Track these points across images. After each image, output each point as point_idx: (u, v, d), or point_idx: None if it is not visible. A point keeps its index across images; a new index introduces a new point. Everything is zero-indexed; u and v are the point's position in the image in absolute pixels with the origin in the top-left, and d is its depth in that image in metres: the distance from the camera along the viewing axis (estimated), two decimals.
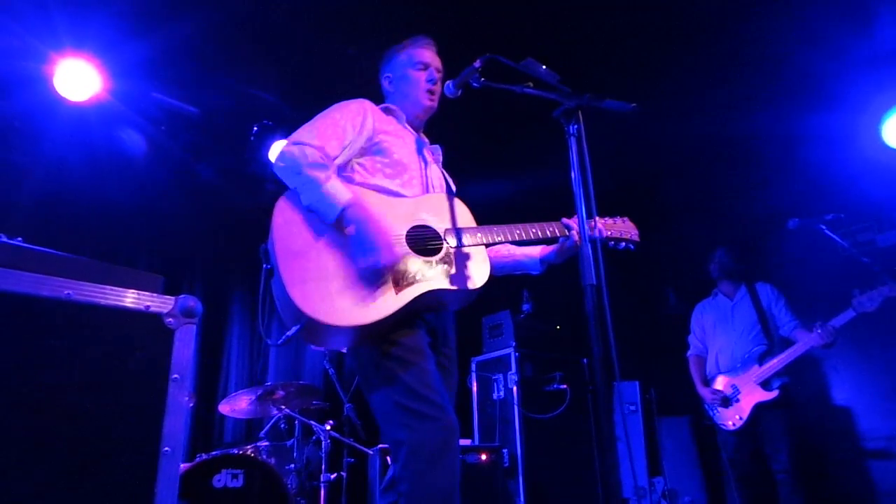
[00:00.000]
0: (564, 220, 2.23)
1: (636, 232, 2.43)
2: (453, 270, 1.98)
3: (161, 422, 1.22)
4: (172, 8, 3.75)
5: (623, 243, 2.39)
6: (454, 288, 1.95)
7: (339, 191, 1.92)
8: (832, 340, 3.66)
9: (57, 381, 1.17)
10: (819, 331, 3.68)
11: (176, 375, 1.25)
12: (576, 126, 1.82)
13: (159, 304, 1.28)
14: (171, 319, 1.28)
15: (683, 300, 5.38)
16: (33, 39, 3.78)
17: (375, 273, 1.86)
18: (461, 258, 2.01)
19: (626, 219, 2.44)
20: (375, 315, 1.81)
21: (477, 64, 2.13)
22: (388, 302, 1.84)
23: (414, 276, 1.91)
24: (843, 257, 3.68)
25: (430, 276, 1.94)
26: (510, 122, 4.42)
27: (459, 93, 2.30)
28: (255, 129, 4.84)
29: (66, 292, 1.20)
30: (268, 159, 4.85)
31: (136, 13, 3.77)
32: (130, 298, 1.26)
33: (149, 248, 5.12)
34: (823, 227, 3.56)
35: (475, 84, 2.15)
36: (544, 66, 1.99)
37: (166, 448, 1.22)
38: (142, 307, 1.26)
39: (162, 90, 4.45)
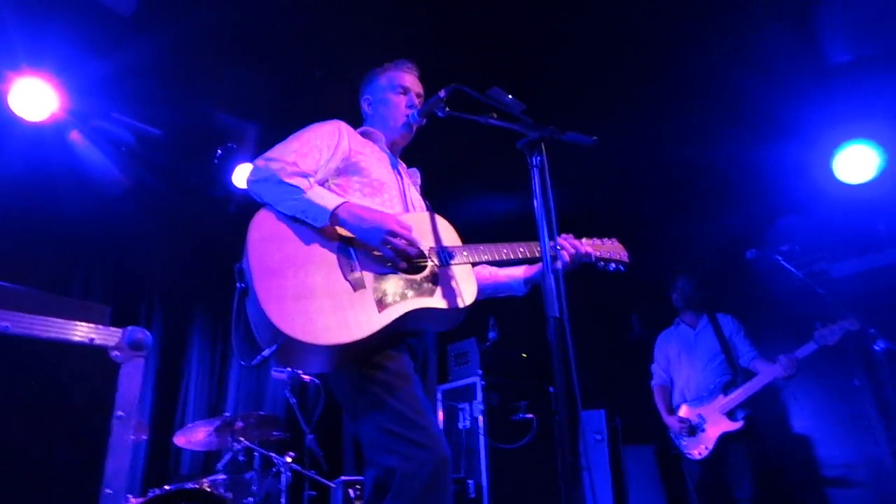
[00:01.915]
0: (552, 241, 2.21)
1: (626, 253, 2.39)
2: (439, 289, 1.93)
3: (103, 461, 1.16)
4: (134, 26, 3.69)
5: (613, 264, 2.35)
6: (440, 307, 1.90)
7: (326, 195, 1.90)
8: (794, 372, 3.73)
9: None
10: (782, 362, 3.74)
11: (121, 413, 1.19)
12: (538, 157, 1.83)
13: (105, 336, 1.22)
14: (117, 353, 1.22)
15: (648, 327, 5.44)
16: None
17: (404, 251, 1.85)
18: (447, 277, 1.97)
19: (614, 240, 2.41)
20: (357, 334, 1.73)
21: (442, 94, 2.14)
22: (371, 321, 1.77)
23: (398, 295, 1.85)
24: (800, 287, 3.77)
25: (414, 294, 1.88)
26: (481, 146, 4.45)
27: (424, 121, 2.31)
28: (220, 151, 4.78)
29: (3, 324, 1.13)
30: (231, 182, 4.78)
31: (96, 32, 3.69)
32: (74, 331, 1.20)
33: (105, 274, 4.95)
34: (779, 257, 3.65)
35: (440, 114, 2.15)
36: (511, 96, 2.01)
37: (108, 490, 1.15)
38: (86, 340, 1.20)
39: (123, 110, 4.37)
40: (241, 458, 3.85)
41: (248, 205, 1.95)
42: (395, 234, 1.85)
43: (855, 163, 4.27)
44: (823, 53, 3.87)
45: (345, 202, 1.89)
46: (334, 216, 1.85)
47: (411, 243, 1.89)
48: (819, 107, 4.19)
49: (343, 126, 2.19)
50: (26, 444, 1.13)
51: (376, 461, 1.75)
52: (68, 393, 1.18)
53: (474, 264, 2.07)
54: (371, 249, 1.89)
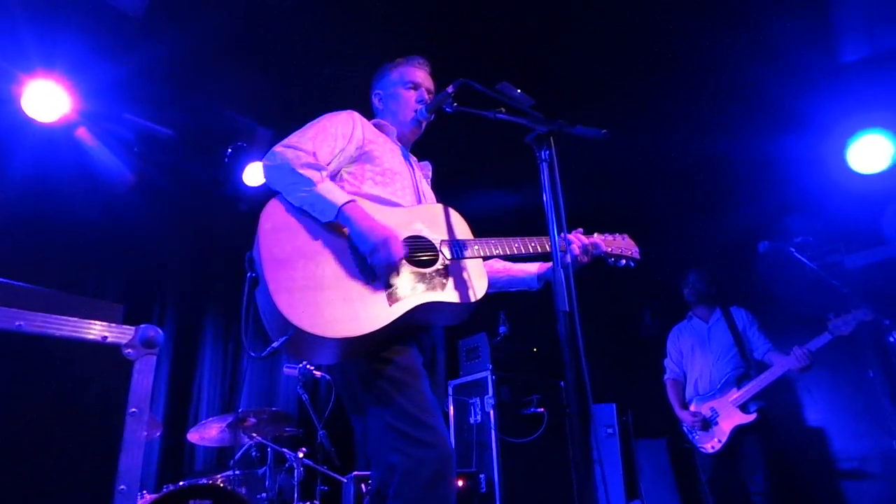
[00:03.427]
0: (563, 235, 2.19)
1: (637, 249, 2.38)
2: (449, 283, 1.91)
3: (117, 458, 1.17)
4: (145, 28, 3.72)
5: (623, 261, 2.33)
6: (450, 301, 1.88)
7: (336, 191, 1.88)
8: (809, 364, 3.70)
9: (5, 415, 1.12)
10: (796, 354, 3.71)
11: (134, 409, 1.20)
12: (547, 151, 1.82)
13: (117, 334, 1.23)
14: (130, 350, 1.23)
15: (659, 321, 5.41)
16: (1, 60, 3.72)
17: (386, 269, 1.80)
18: (458, 270, 1.95)
19: (625, 235, 2.39)
20: (367, 327, 1.72)
21: (450, 89, 2.14)
22: (381, 314, 1.76)
23: (408, 289, 1.84)
24: (813, 279, 3.74)
25: (424, 288, 1.86)
26: (491, 140, 4.44)
27: (433, 117, 2.31)
28: (230, 150, 4.80)
29: (17, 323, 1.15)
30: (241, 181, 4.81)
31: (109, 35, 3.73)
32: (87, 329, 1.21)
33: (118, 273, 5.00)
34: (793, 249, 3.62)
35: (448, 109, 2.15)
36: (519, 90, 2.00)
37: (122, 486, 1.16)
38: (98, 338, 1.21)
39: (134, 111, 4.40)
40: (254, 453, 3.88)
41: (258, 203, 1.95)
42: (377, 251, 1.78)
43: (868, 153, 4.22)
44: (838, 49, 3.82)
45: (352, 201, 1.87)
46: (340, 213, 1.84)
47: (389, 267, 1.82)
48: (832, 97, 4.14)
49: (357, 116, 2.19)
50: (41, 442, 1.14)
51: (379, 458, 1.75)
52: (82, 390, 1.19)
53: (485, 258, 2.06)
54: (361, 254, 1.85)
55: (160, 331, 1.27)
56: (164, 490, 3.10)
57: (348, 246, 1.86)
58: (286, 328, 1.69)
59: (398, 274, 1.85)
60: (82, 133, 4.26)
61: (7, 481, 1.10)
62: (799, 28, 3.73)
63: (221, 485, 3.27)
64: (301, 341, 1.72)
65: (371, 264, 1.82)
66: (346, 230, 1.88)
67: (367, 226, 1.82)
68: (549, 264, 2.25)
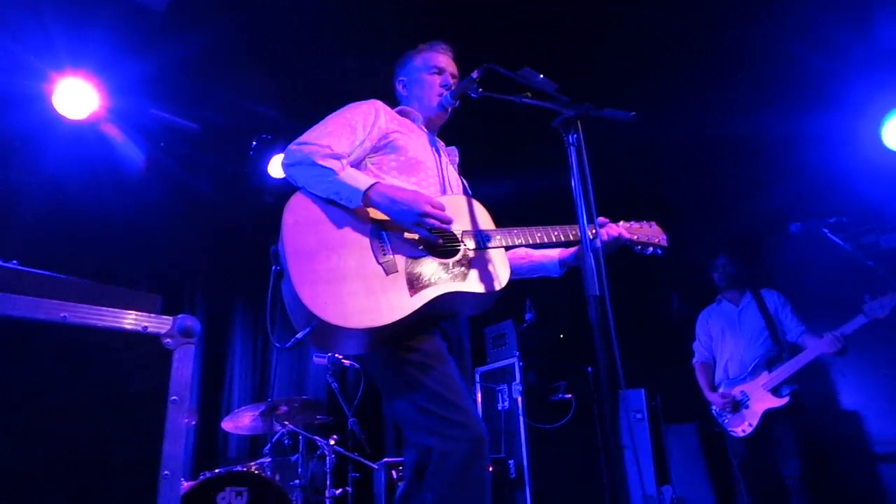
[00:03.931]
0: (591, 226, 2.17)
1: (664, 237, 2.34)
2: (471, 273, 1.92)
3: (160, 445, 1.20)
4: (170, 24, 3.76)
5: (650, 248, 2.31)
6: (472, 291, 1.89)
7: (359, 176, 1.91)
8: (842, 347, 3.62)
9: (53, 405, 1.15)
10: (828, 338, 3.64)
11: (175, 397, 1.23)
12: (575, 135, 1.80)
13: (157, 324, 1.26)
14: (169, 340, 1.26)
15: (687, 305, 5.35)
16: (32, 58, 3.80)
17: (440, 231, 1.86)
18: (479, 260, 1.96)
19: (653, 223, 2.36)
20: (388, 318, 1.74)
21: (475, 75, 2.13)
22: (403, 304, 1.78)
23: (429, 279, 1.85)
24: (847, 260, 3.65)
25: (446, 278, 1.87)
26: (517, 126, 4.41)
27: (458, 103, 2.30)
28: (254, 143, 4.85)
29: (61, 315, 1.18)
30: (267, 173, 4.85)
31: (134, 32, 3.78)
32: (127, 320, 1.24)
33: (149, 266, 5.09)
34: (826, 230, 3.53)
35: (473, 95, 2.14)
36: (542, 75, 1.98)
37: (166, 472, 1.19)
38: (139, 328, 1.24)
39: (160, 107, 4.47)
40: (286, 441, 3.95)
41: (284, 195, 1.97)
42: (427, 214, 1.85)
43: None
44: (873, 25, 3.70)
45: (377, 183, 1.90)
46: (367, 197, 1.86)
47: (444, 221, 1.89)
48: (865, 74, 4.02)
49: (380, 105, 2.19)
50: (87, 430, 1.18)
51: (414, 441, 1.78)
52: (125, 379, 1.22)
53: (507, 248, 2.06)
54: (404, 230, 1.90)
55: (197, 321, 1.30)
56: (201, 477, 3.18)
57: (371, 238, 1.88)
58: (310, 319, 1.72)
59: (419, 267, 1.86)
60: (108, 128, 4.33)
61: (55, 469, 1.13)
62: (832, 3, 3.62)
63: (256, 472, 3.33)
64: (325, 332, 1.75)
65: (423, 236, 1.87)
66: (374, 215, 1.90)
67: (399, 199, 1.86)
68: (571, 250, 2.25)
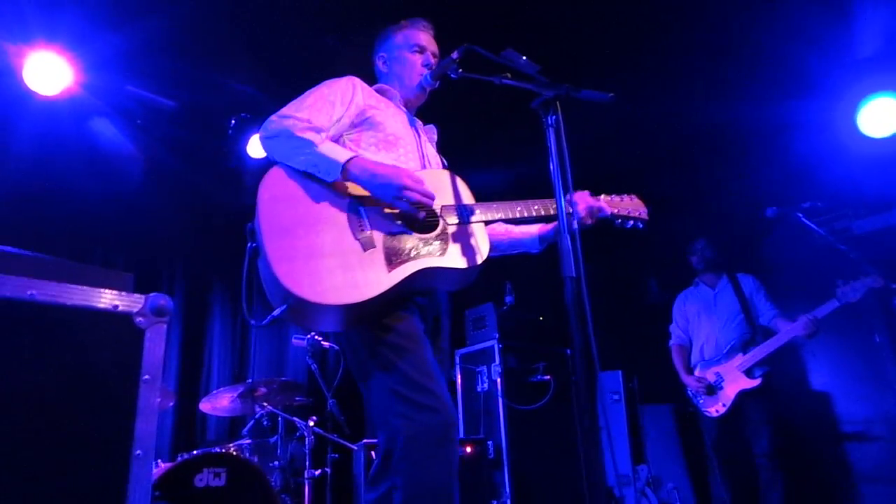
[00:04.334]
0: (569, 195, 2.17)
1: (645, 210, 2.34)
2: (450, 247, 1.91)
3: (132, 424, 1.19)
4: (147, 0, 3.67)
5: (631, 221, 2.31)
6: (451, 266, 1.88)
7: (338, 149, 1.89)
8: (815, 330, 3.71)
9: (22, 384, 1.14)
10: (802, 321, 3.72)
11: (147, 376, 1.22)
12: (554, 117, 1.80)
13: (128, 303, 1.24)
14: (141, 319, 1.24)
15: (666, 289, 5.42)
16: (2, 31, 3.68)
17: (422, 203, 1.85)
18: (459, 235, 1.95)
19: (633, 196, 2.36)
20: (366, 293, 1.73)
21: (455, 55, 2.11)
22: (381, 280, 1.76)
23: (408, 253, 1.84)
24: (820, 244, 3.72)
25: (425, 252, 1.86)
26: (497, 108, 4.39)
27: (437, 84, 2.29)
28: (233, 122, 4.78)
29: (29, 293, 1.16)
30: (246, 152, 4.79)
31: (110, 5, 3.67)
32: (98, 298, 1.22)
33: (126, 245, 5.03)
34: (800, 215, 3.59)
35: (453, 75, 2.13)
36: (524, 58, 1.97)
37: (138, 451, 1.19)
38: (110, 307, 1.22)
39: (137, 83, 4.37)
40: (265, 422, 3.95)
41: (263, 174, 1.95)
42: (408, 188, 1.84)
43: (879, 117, 4.16)
44: (849, 11, 3.73)
45: (356, 156, 1.88)
46: (345, 170, 1.84)
47: (426, 195, 1.88)
48: (842, 62, 4.06)
49: (358, 81, 2.17)
50: (57, 410, 1.16)
51: (383, 424, 1.77)
52: (95, 359, 1.20)
53: (487, 223, 2.05)
54: (384, 205, 1.88)
55: (170, 299, 1.28)
56: (179, 458, 3.17)
57: (348, 213, 1.87)
58: (286, 297, 1.70)
59: (397, 242, 1.85)
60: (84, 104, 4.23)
61: (25, 449, 1.12)
62: None
63: (234, 453, 3.33)
64: (301, 309, 1.74)
65: (404, 210, 1.85)
66: (352, 190, 1.88)
67: (380, 173, 1.85)
68: (550, 226, 2.25)
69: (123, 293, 1.25)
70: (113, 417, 1.19)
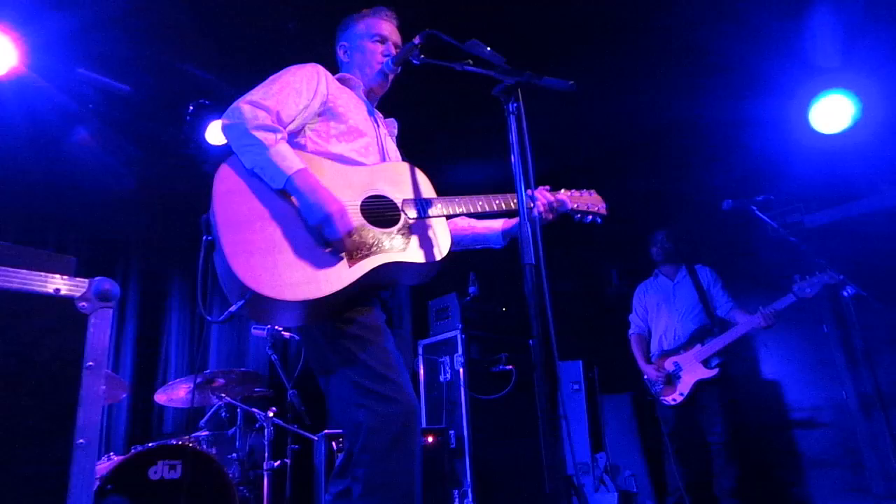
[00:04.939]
0: (529, 191, 2.15)
1: (604, 205, 2.36)
2: (412, 242, 1.89)
3: (74, 412, 1.15)
4: None
5: (590, 216, 2.32)
6: (412, 260, 1.87)
7: (289, 156, 1.81)
8: (773, 323, 3.82)
9: None
10: (763, 314, 3.82)
11: (90, 363, 1.18)
12: (515, 104, 1.80)
13: (71, 287, 1.19)
14: (84, 304, 1.20)
15: (626, 281, 5.52)
16: None
17: (332, 244, 1.76)
18: (420, 229, 1.93)
19: (592, 191, 2.37)
20: (326, 289, 1.70)
21: (417, 40, 2.09)
22: (341, 275, 1.74)
23: (369, 248, 1.81)
24: (774, 237, 3.83)
25: (386, 247, 1.84)
26: (459, 100, 4.38)
27: (399, 70, 2.26)
28: (191, 108, 4.65)
29: None
30: (204, 139, 4.67)
31: None
32: (38, 282, 1.17)
33: (79, 233, 4.87)
34: (754, 208, 3.69)
35: (415, 61, 2.11)
36: (489, 48, 1.96)
37: (81, 440, 1.15)
38: (51, 291, 1.18)
39: (89, 66, 4.21)
40: (223, 414, 3.88)
41: (222, 162, 1.90)
42: (331, 220, 1.74)
43: (830, 113, 4.30)
44: (799, 11, 3.84)
45: (302, 169, 1.80)
46: (289, 182, 1.77)
47: (340, 235, 1.76)
48: (794, 60, 4.19)
49: (322, 70, 2.12)
50: None
51: (345, 417, 1.75)
52: (36, 345, 1.16)
53: (449, 217, 2.04)
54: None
55: (116, 284, 1.24)
56: (133, 451, 3.09)
57: None
58: (244, 292, 1.66)
59: (358, 237, 1.82)
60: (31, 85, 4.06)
61: None
62: None
63: (191, 445, 3.26)
64: (260, 305, 1.70)
65: (323, 237, 1.78)
66: (294, 200, 1.83)
67: (315, 199, 1.76)
68: (514, 221, 2.24)
69: (66, 277, 1.20)
70: (54, 405, 1.15)
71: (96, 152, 4.65)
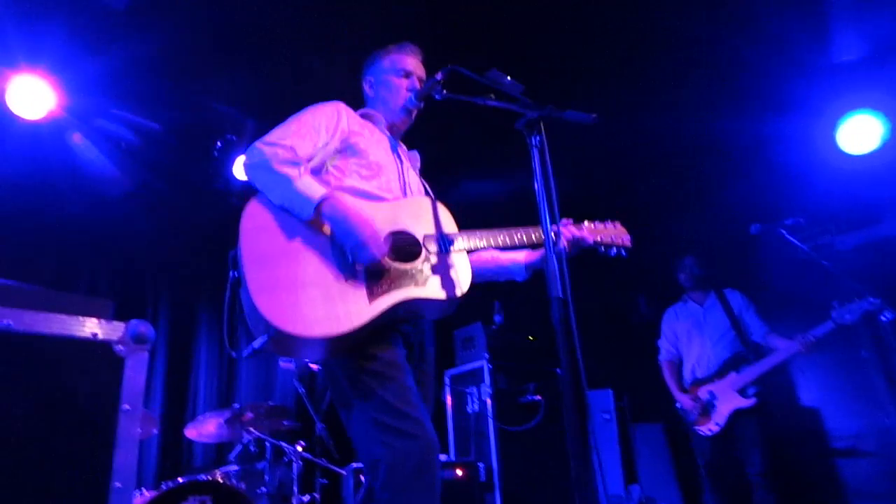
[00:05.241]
0: (553, 226, 2.16)
1: (628, 237, 2.33)
2: (433, 277, 1.90)
3: (111, 456, 1.16)
4: (131, 23, 3.67)
5: (614, 249, 2.30)
6: (432, 297, 1.88)
7: (314, 186, 1.85)
8: (811, 350, 3.72)
9: None
10: (801, 341, 3.72)
11: (127, 406, 1.19)
12: (538, 137, 1.80)
13: (108, 331, 1.22)
14: (121, 347, 1.22)
15: (654, 307, 5.44)
16: None
17: (368, 267, 1.79)
18: (441, 265, 1.94)
19: (616, 223, 2.35)
20: (347, 326, 1.72)
21: (438, 76, 2.12)
22: (362, 311, 1.76)
23: (390, 284, 1.83)
24: (805, 260, 3.74)
25: (407, 283, 1.85)
26: (482, 129, 4.42)
27: (422, 105, 2.29)
28: (219, 144, 4.77)
29: (5, 322, 1.13)
30: (232, 174, 4.77)
31: (94, 28, 3.67)
32: (77, 326, 1.20)
33: (111, 272, 4.97)
34: (784, 231, 3.62)
35: (437, 96, 2.14)
36: (509, 78, 1.98)
37: (117, 483, 1.16)
38: (89, 335, 1.20)
39: (121, 106, 4.35)
40: (252, 448, 3.87)
41: (249, 197, 1.94)
42: (367, 245, 1.80)
43: (858, 133, 4.23)
44: (828, 32, 3.82)
45: (330, 196, 1.84)
46: (318, 209, 1.82)
47: (376, 266, 1.83)
48: (822, 79, 4.14)
49: (342, 107, 2.17)
50: (34, 442, 1.13)
51: (365, 453, 1.77)
52: (74, 389, 1.18)
53: (470, 251, 2.05)
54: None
55: (150, 326, 1.26)
56: (163, 487, 3.10)
57: (329, 243, 1.86)
58: (267, 328, 1.69)
59: (381, 270, 1.84)
60: (76, 137, 4.21)
61: (4, 480, 1.08)
62: (788, 9, 3.72)
63: (220, 480, 3.26)
64: (283, 340, 1.73)
65: (353, 261, 1.82)
66: (326, 227, 1.87)
67: (349, 224, 1.81)
68: (536, 253, 2.24)
69: (103, 321, 1.23)
70: (92, 449, 1.16)
71: (127, 190, 4.78)
